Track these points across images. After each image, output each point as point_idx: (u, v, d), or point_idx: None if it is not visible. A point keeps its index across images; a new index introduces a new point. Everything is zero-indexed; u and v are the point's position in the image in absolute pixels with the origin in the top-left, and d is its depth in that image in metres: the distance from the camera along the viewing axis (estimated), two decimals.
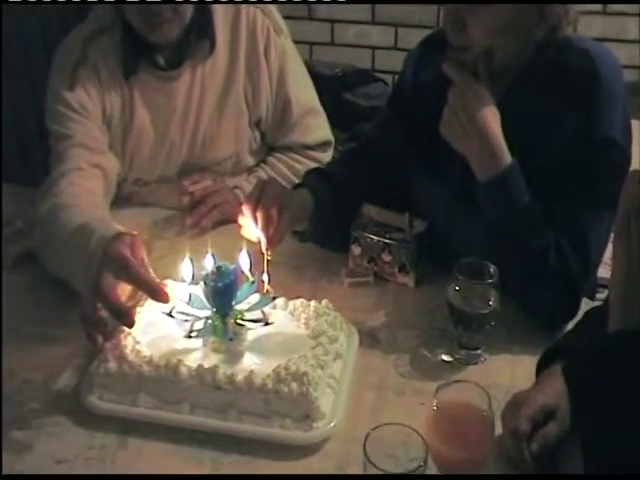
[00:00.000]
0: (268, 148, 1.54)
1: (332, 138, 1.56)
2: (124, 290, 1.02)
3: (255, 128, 1.47)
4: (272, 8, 1.44)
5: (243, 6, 1.41)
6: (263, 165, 1.51)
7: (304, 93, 1.49)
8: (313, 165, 1.49)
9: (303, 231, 1.25)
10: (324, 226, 1.24)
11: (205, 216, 1.34)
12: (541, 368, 1.00)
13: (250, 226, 1.11)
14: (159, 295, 0.99)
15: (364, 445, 0.80)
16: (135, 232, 1.22)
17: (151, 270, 1.02)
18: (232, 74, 1.40)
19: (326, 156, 1.55)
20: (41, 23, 2.25)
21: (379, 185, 1.29)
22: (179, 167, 1.45)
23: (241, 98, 1.42)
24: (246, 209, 1.11)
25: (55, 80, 1.35)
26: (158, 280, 1.01)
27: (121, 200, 1.43)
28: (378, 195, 1.26)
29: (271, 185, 1.16)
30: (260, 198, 1.12)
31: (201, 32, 1.36)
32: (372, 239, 1.22)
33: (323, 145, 1.54)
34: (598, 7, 2.41)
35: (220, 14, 1.39)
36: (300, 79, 1.49)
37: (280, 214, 1.12)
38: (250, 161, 1.50)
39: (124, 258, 0.98)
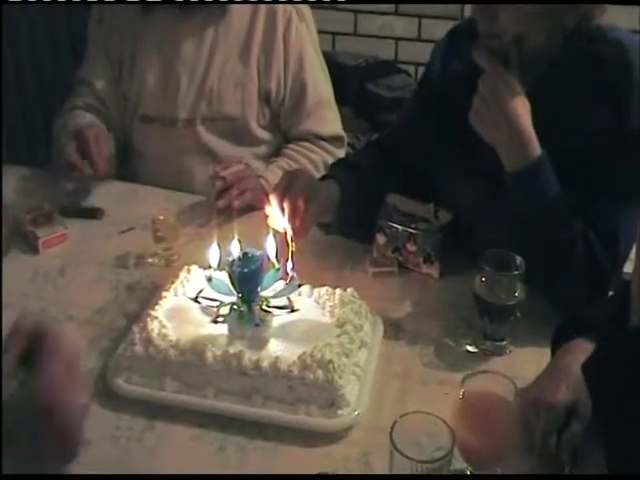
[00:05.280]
0: (284, 140, 1.59)
1: (344, 135, 1.62)
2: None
3: (264, 102, 1.54)
4: None
5: None
6: (281, 157, 1.55)
7: (320, 83, 1.57)
8: (328, 157, 1.56)
9: (328, 223, 1.25)
10: (350, 217, 1.24)
11: (237, 198, 1.36)
12: (558, 342, 0.97)
13: (277, 216, 1.11)
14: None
15: (390, 432, 0.80)
16: (162, 217, 1.24)
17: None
18: (248, 43, 1.51)
19: (340, 152, 1.60)
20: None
21: (405, 175, 1.29)
22: (187, 112, 1.52)
23: (253, 67, 1.51)
24: (273, 199, 1.11)
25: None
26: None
27: (132, 149, 1.60)
28: (403, 185, 1.26)
29: (299, 176, 1.16)
30: (287, 188, 1.12)
31: None
32: (397, 229, 1.22)
33: (336, 140, 1.59)
34: None
35: None
36: (317, 69, 1.57)
37: (307, 205, 1.11)
38: (260, 134, 1.56)
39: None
